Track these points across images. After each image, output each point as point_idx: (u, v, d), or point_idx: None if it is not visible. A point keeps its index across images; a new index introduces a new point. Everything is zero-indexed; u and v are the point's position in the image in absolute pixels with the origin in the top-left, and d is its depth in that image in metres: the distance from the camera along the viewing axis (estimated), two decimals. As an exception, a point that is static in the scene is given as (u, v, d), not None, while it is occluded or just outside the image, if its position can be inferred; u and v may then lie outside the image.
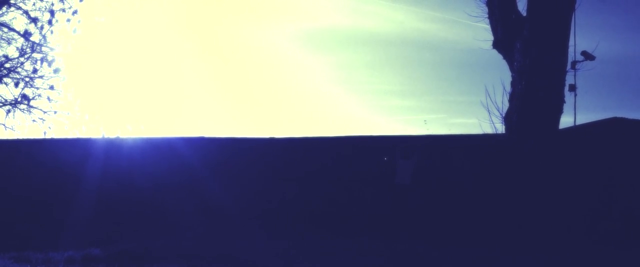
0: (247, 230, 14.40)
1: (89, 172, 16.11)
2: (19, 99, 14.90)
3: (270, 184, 15.93)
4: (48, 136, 15.42)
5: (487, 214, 14.74)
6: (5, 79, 14.84)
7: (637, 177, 14.82)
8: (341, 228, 14.46)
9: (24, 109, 14.75)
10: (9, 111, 15.15)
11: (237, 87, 37.38)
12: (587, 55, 16.92)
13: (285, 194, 15.78)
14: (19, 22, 14.90)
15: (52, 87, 14.67)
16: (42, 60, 14.38)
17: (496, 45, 16.45)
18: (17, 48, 14.96)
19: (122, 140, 16.39)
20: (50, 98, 14.95)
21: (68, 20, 14.06)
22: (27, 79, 14.66)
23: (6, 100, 15.06)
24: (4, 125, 15.32)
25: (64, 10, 13.78)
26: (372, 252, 11.90)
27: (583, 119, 16.44)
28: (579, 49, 16.87)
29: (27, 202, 16.01)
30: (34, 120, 15.30)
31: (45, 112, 15.13)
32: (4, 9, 14.43)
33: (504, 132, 16.05)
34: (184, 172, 16.15)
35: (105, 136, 15.54)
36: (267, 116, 34.88)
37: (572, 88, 17.04)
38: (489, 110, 16.46)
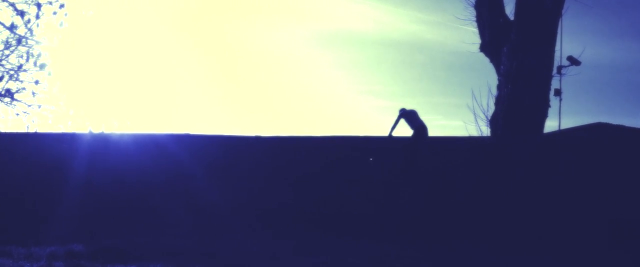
0: (235, 229, 14.35)
1: (74, 167, 15.95)
2: (3, 92, 14.68)
3: (259, 183, 15.89)
4: (31, 130, 15.19)
5: (472, 216, 14.82)
6: (-11, 72, 14.60)
7: (620, 183, 14.98)
8: (332, 228, 14.46)
9: (7, 102, 14.53)
10: (-10, 104, 14.93)
11: (228, 86, 37.33)
12: (573, 61, 17.10)
13: (275, 193, 15.73)
14: (5, 14, 14.65)
15: (37, 82, 14.45)
16: (27, 54, 14.16)
17: (483, 48, 16.55)
18: (2, 41, 14.71)
19: (108, 135, 16.22)
20: (35, 92, 14.71)
21: (54, 13, 13.86)
22: (11, 73, 14.43)
23: (-11, 93, 14.83)
24: (-16, 118, 15.08)
25: (51, 3, 13.59)
26: (362, 252, 11.92)
27: (568, 123, 16.68)
28: (565, 54, 17.08)
29: (9, 197, 15.81)
30: (17, 114, 15.07)
31: (29, 106, 14.90)
32: (-11, 1, 14.21)
33: (489, 135, 16.15)
34: (170, 169, 16.04)
35: (91, 131, 15.33)
36: (255, 115, 34.86)
37: (558, 93, 17.22)
38: (474, 113, 16.58)
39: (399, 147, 15.83)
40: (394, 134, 16.06)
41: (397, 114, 16.22)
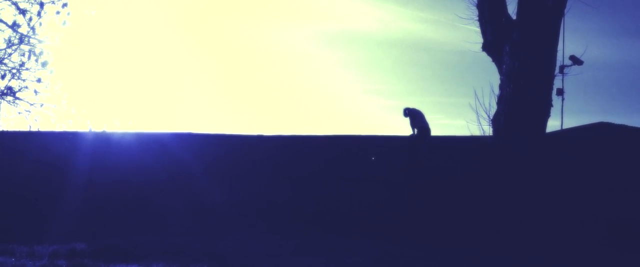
0: (236, 227, 14.36)
1: (76, 166, 15.97)
2: (5, 91, 14.70)
3: (261, 182, 15.90)
4: (33, 129, 15.21)
5: (473, 216, 14.82)
6: (-9, 70, 14.61)
7: (621, 182, 14.96)
8: (332, 227, 14.48)
9: (10, 101, 14.56)
10: (-6, 103, 14.95)
11: (232, 85, 37.38)
12: (576, 60, 17.08)
13: (276, 192, 15.74)
14: (7, 13, 14.68)
15: (39, 80, 14.48)
16: (30, 52, 14.19)
17: (485, 48, 16.55)
18: (5, 39, 14.74)
19: (110, 134, 16.25)
20: (37, 91, 14.74)
21: (57, 12, 13.88)
22: (14, 71, 14.46)
23: (-9, 92, 14.85)
24: (-12, 117, 15.11)
25: (53, 2, 13.62)
26: (362, 251, 11.92)
27: (570, 123, 16.64)
28: (568, 53, 17.06)
29: (11, 195, 15.84)
30: (19, 113, 15.09)
31: (31, 105, 14.92)
32: (-8, 0, 14.23)
33: (491, 134, 16.14)
34: (172, 168, 16.06)
35: (93, 130, 15.36)
36: (260, 114, 34.93)
37: (560, 92, 17.20)
38: (477, 113, 16.60)
39: (399, 146, 15.82)
40: (396, 133, 16.06)
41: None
